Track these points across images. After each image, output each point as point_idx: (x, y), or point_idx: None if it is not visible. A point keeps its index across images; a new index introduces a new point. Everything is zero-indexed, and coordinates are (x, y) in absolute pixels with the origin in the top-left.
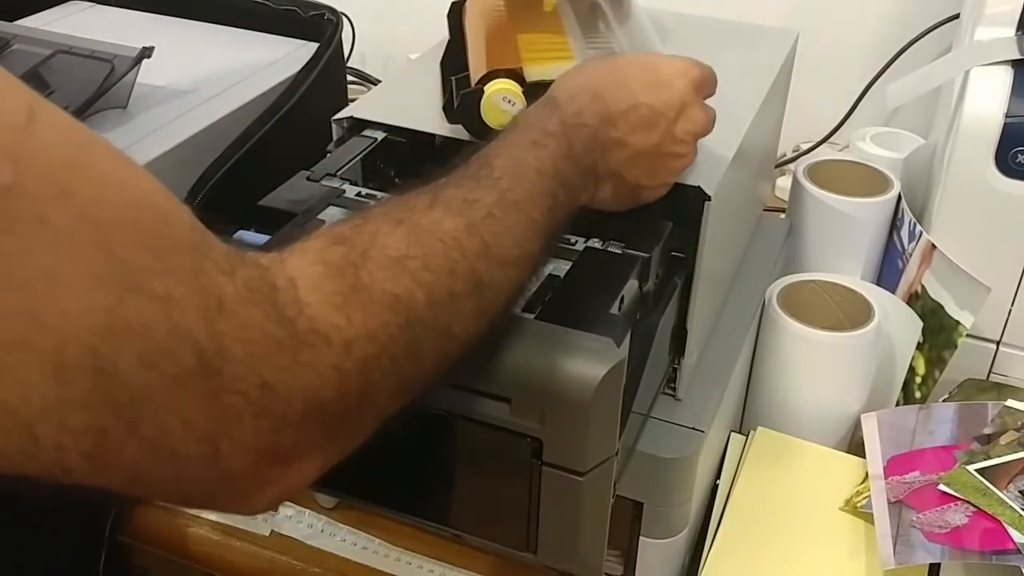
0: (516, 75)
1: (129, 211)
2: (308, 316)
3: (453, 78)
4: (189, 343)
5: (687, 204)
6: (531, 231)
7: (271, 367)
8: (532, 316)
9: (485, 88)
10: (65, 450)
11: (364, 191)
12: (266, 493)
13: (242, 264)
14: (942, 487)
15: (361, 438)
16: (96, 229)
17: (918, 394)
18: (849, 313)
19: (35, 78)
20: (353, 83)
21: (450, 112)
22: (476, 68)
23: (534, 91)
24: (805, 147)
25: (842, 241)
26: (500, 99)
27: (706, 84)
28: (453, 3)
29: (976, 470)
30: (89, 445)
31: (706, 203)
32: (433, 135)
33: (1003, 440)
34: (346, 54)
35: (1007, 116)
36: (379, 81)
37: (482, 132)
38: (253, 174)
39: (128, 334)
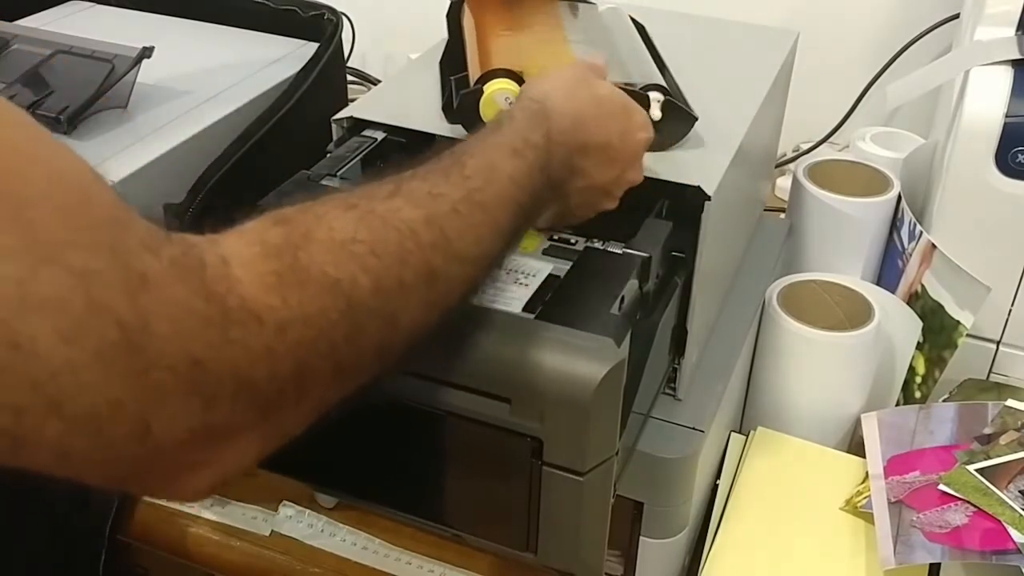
0: (515, 75)
1: (46, 186)
2: (239, 294)
3: (452, 78)
4: (111, 318)
5: (687, 204)
6: (493, 233)
7: (200, 344)
8: (532, 316)
9: (484, 88)
10: None
11: None
12: (201, 476)
13: (168, 241)
14: (942, 487)
15: (300, 423)
16: (7, 202)
17: (918, 394)
18: (849, 313)
19: (35, 78)
20: (353, 83)
21: (450, 112)
22: (475, 68)
23: None
24: (805, 147)
25: (842, 241)
26: (500, 98)
27: (650, 138)
28: (452, 3)
29: (976, 470)
30: (8, 423)
31: (706, 203)
32: (433, 135)
33: (1003, 440)
34: (346, 54)
35: (1007, 116)
36: (379, 81)
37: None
38: (253, 174)
39: (43, 308)
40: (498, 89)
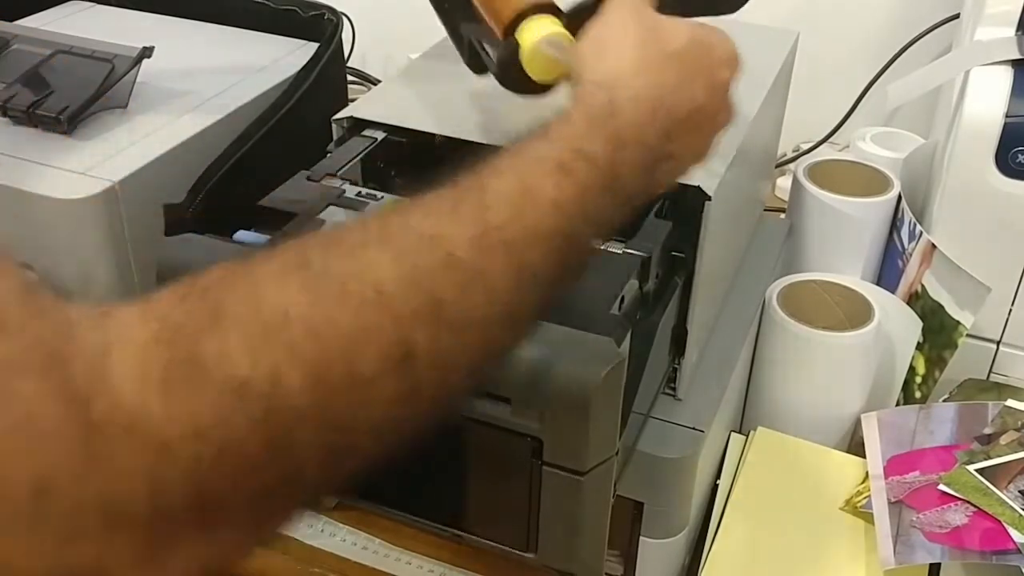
0: (550, 6)
1: None
2: (111, 397)
3: (471, 34)
4: None
5: (687, 204)
6: (518, 282)
7: (51, 461)
8: None
9: (519, 38)
10: None
11: (364, 191)
12: None
13: (38, 317)
14: (942, 487)
15: (222, 557)
16: None
17: (918, 394)
18: (849, 313)
19: (35, 78)
20: (353, 83)
21: (476, 66)
22: (493, 11)
23: (577, 22)
24: (805, 147)
25: (842, 241)
26: (544, 46)
27: (740, 66)
28: None
29: (976, 470)
30: None
31: (706, 203)
32: (433, 135)
33: (1003, 440)
34: (346, 54)
35: (1007, 116)
36: (379, 81)
37: (532, 88)
38: (253, 174)
39: None
40: (540, 37)
